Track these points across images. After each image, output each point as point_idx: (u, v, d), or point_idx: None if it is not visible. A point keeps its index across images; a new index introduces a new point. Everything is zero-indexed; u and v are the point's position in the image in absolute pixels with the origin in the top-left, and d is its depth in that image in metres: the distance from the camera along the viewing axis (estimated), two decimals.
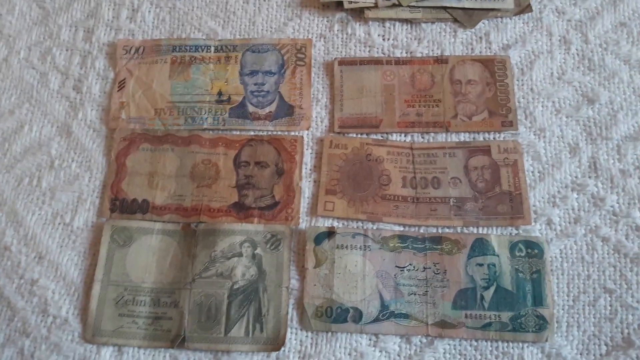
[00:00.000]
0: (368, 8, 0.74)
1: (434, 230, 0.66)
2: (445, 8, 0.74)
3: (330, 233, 0.65)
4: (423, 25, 0.75)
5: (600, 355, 0.61)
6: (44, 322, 0.63)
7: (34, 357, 0.62)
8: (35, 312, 0.64)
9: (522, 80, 0.72)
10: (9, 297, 0.64)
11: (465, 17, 0.74)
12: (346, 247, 0.64)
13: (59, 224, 0.68)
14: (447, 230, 0.66)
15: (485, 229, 0.66)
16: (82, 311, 0.64)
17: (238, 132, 0.71)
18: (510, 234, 0.65)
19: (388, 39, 0.75)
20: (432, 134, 0.70)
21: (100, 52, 0.76)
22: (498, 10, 0.74)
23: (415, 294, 0.63)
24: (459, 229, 0.66)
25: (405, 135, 0.70)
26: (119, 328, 0.62)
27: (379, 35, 0.75)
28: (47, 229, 0.67)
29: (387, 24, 0.75)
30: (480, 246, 0.64)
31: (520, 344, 0.61)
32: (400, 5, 0.74)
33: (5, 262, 0.66)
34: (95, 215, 0.68)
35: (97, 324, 0.62)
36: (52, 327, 0.63)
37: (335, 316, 0.62)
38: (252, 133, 0.71)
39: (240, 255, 0.64)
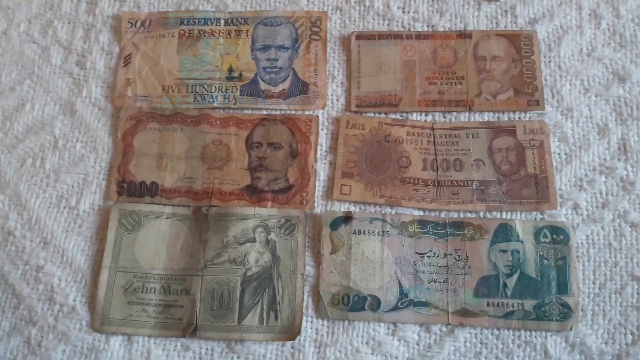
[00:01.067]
0: None
1: (456, 215, 0.64)
2: None
3: (346, 218, 0.63)
4: None
5: (626, 344, 0.59)
6: (50, 310, 0.62)
7: (41, 346, 0.60)
8: (42, 300, 0.62)
9: (549, 56, 0.69)
10: (14, 284, 0.62)
11: None
12: (363, 232, 0.62)
13: (64, 207, 0.65)
14: (469, 215, 0.64)
15: (509, 213, 0.64)
16: (90, 299, 0.62)
17: (250, 111, 0.68)
18: (535, 219, 0.63)
19: (408, 12, 0.71)
20: (455, 114, 0.67)
21: (105, 25, 0.72)
22: None
23: (435, 282, 0.61)
24: (481, 214, 0.64)
25: (426, 115, 0.68)
26: (129, 317, 0.60)
27: (398, 8, 0.71)
28: (51, 213, 0.65)
29: None
30: (504, 232, 0.62)
31: (544, 333, 0.60)
32: None
33: (9, 247, 0.64)
34: (101, 199, 0.65)
35: (105, 313, 0.60)
36: (59, 316, 0.61)
37: (353, 304, 0.60)
38: (264, 112, 0.68)
39: (253, 240, 0.62)
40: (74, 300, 0.62)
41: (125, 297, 0.61)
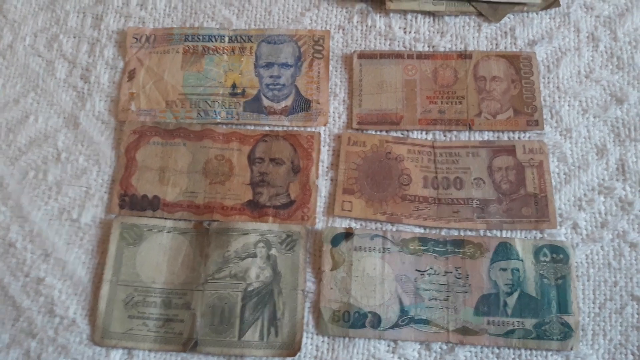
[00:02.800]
0: None
1: (456, 233, 0.64)
2: (469, 1, 0.71)
3: (347, 234, 0.63)
4: (446, 18, 0.72)
5: None
6: (50, 322, 0.61)
7: (40, 359, 0.60)
8: (42, 313, 0.61)
9: (548, 78, 0.70)
10: (14, 296, 0.62)
11: (490, 11, 0.71)
12: (364, 249, 0.62)
13: (66, 220, 0.65)
14: (469, 233, 0.64)
15: (509, 232, 0.64)
16: (91, 312, 0.61)
17: (252, 127, 0.68)
18: (535, 237, 0.63)
19: (410, 32, 0.72)
20: (455, 132, 0.68)
21: (110, 40, 0.73)
22: (524, 4, 0.71)
23: (436, 299, 0.61)
24: (482, 232, 0.64)
25: (426, 133, 0.68)
26: (129, 330, 0.60)
27: (400, 28, 0.72)
28: (53, 225, 0.65)
29: (409, 16, 0.73)
30: (504, 250, 0.62)
31: (544, 352, 0.59)
32: None
33: (10, 259, 0.63)
34: (103, 212, 0.65)
35: (106, 326, 0.60)
36: (59, 329, 0.61)
37: (353, 321, 0.60)
38: (267, 128, 0.68)
39: (254, 255, 0.62)
40: (75, 313, 0.61)
41: (126, 310, 0.60)
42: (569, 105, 0.68)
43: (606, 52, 0.71)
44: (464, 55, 0.70)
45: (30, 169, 0.67)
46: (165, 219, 0.64)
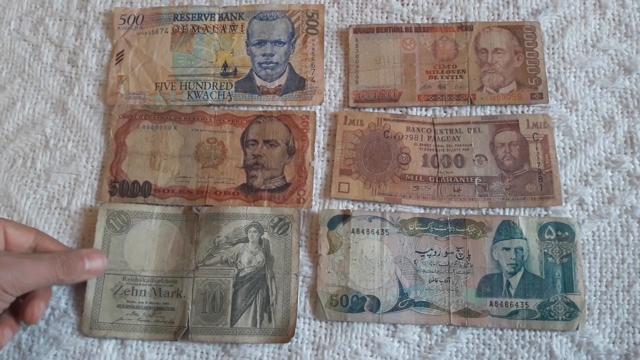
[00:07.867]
0: None
1: (457, 212, 0.62)
2: None
3: (345, 216, 0.61)
4: None
5: (634, 343, 0.58)
6: None
7: (32, 351, 0.59)
8: None
9: (553, 48, 0.67)
10: None
11: None
12: (362, 231, 0.61)
13: (55, 208, 0.64)
14: (471, 212, 0.62)
15: (513, 210, 0.62)
16: (79, 302, 0.60)
17: (245, 108, 0.66)
18: (539, 215, 0.61)
19: (407, 4, 0.70)
20: (456, 108, 0.66)
21: (97, 22, 0.71)
22: None
23: (436, 281, 0.59)
24: (484, 211, 0.62)
25: (426, 110, 0.66)
26: (118, 320, 0.58)
27: (397, 0, 0.70)
28: (42, 214, 0.64)
29: None
30: (507, 229, 0.60)
31: (549, 333, 0.58)
32: None
33: None
34: (93, 199, 0.64)
35: (94, 316, 0.59)
36: (51, 320, 0.60)
37: (351, 305, 0.59)
38: (260, 109, 0.66)
39: (246, 240, 0.60)
40: (66, 304, 0.60)
41: (115, 300, 0.59)
42: (574, 77, 0.66)
43: (614, 20, 0.68)
44: (465, 27, 0.68)
45: (18, 156, 0.66)
46: (157, 205, 0.62)
